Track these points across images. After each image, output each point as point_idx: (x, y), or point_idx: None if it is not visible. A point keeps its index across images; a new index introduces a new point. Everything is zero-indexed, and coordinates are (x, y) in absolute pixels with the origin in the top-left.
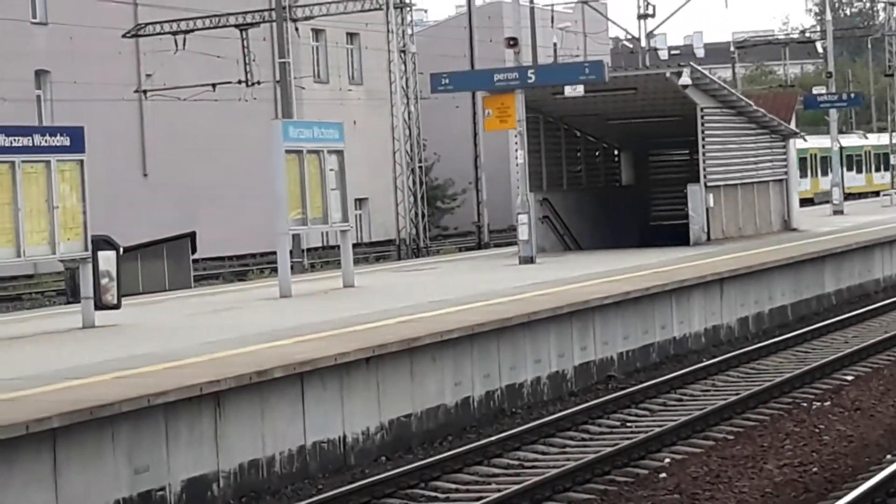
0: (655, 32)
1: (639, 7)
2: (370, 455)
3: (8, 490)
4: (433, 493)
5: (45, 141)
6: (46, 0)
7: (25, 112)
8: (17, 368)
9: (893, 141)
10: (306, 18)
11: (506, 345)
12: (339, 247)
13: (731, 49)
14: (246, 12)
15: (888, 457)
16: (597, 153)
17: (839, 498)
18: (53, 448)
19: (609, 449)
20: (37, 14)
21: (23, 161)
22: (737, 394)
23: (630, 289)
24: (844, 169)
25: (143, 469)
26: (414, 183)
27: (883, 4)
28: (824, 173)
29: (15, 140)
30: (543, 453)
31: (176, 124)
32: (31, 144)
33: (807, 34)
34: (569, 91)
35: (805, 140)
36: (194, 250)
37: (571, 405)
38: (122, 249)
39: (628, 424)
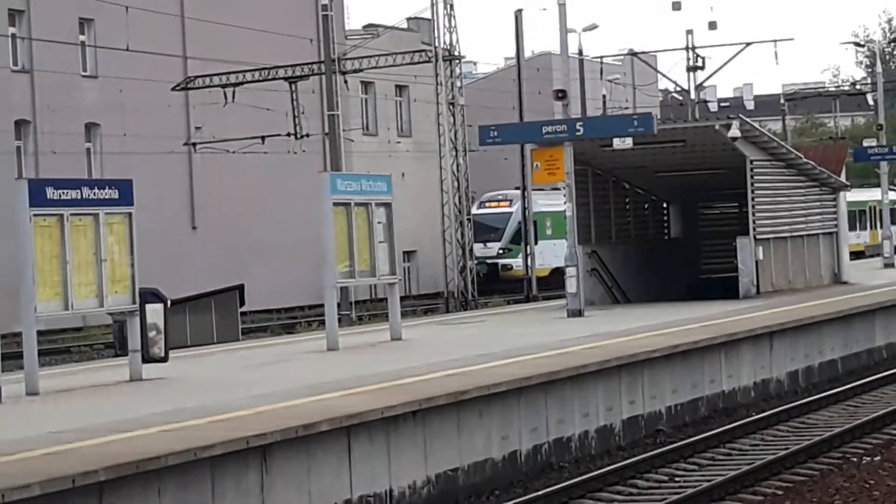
0: (705, 84)
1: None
2: None
3: None
4: None
5: (94, 194)
6: (97, 53)
7: (75, 165)
8: (65, 421)
9: None
10: (355, 71)
11: (553, 398)
12: (386, 299)
13: (781, 101)
14: (295, 65)
15: None
16: (645, 205)
17: None
18: (100, 501)
19: None
20: (87, 67)
21: (71, 214)
22: (786, 448)
23: (679, 342)
24: None
25: None
26: (462, 235)
27: None
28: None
29: (64, 193)
30: None
31: (225, 177)
32: (79, 197)
33: (857, 86)
34: (617, 143)
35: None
36: (242, 303)
37: (619, 459)
38: (169, 302)
39: (676, 479)
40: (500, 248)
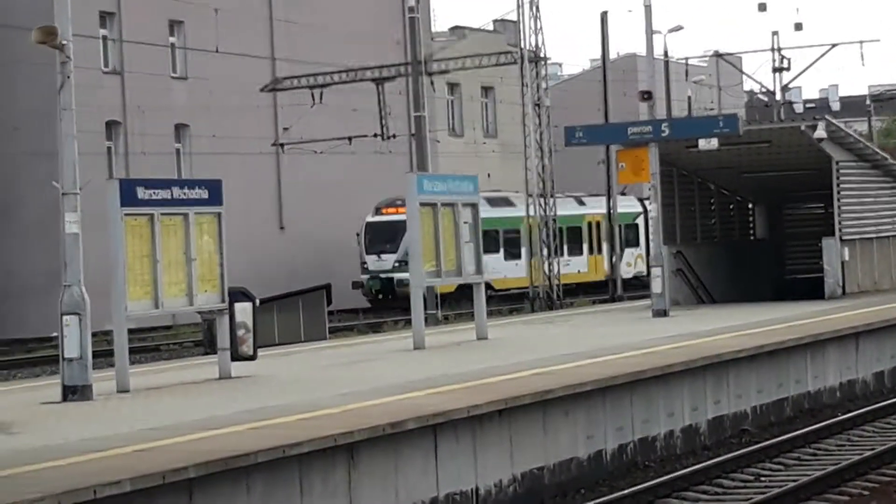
0: (790, 86)
1: (774, 60)
2: None
3: None
4: None
5: (184, 194)
6: (187, 55)
7: (164, 165)
8: (155, 418)
9: None
10: (442, 72)
11: (639, 398)
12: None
13: (867, 102)
14: (382, 66)
15: None
16: (730, 206)
17: None
18: (190, 498)
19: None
20: (177, 69)
21: (162, 213)
22: (872, 448)
23: (765, 342)
24: None
25: None
26: (547, 236)
27: None
28: None
29: (154, 193)
30: None
31: (312, 177)
32: (170, 197)
33: None
34: (703, 144)
35: None
36: (329, 302)
37: (705, 459)
38: (258, 301)
39: (762, 479)
40: (395, 261)
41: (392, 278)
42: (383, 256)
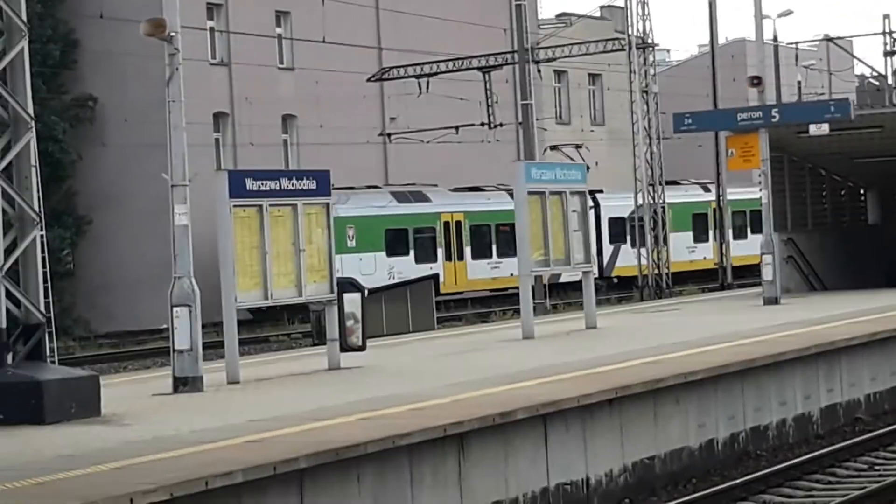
0: None
1: (885, 44)
2: (614, 497)
3: None
4: None
5: (292, 184)
6: (293, 45)
7: (273, 156)
8: (265, 410)
9: None
10: (548, 60)
11: (750, 386)
12: (581, 287)
13: None
14: (489, 55)
15: None
16: (842, 192)
17: None
18: (301, 489)
19: (857, 492)
20: (283, 60)
21: (270, 205)
22: None
23: (878, 329)
24: None
25: None
26: (656, 224)
27: None
28: None
29: (263, 184)
30: (789, 496)
31: (419, 166)
32: (278, 188)
33: None
34: (814, 130)
35: None
36: (437, 292)
37: (818, 448)
38: (367, 292)
39: (876, 467)
40: None
41: None
42: None
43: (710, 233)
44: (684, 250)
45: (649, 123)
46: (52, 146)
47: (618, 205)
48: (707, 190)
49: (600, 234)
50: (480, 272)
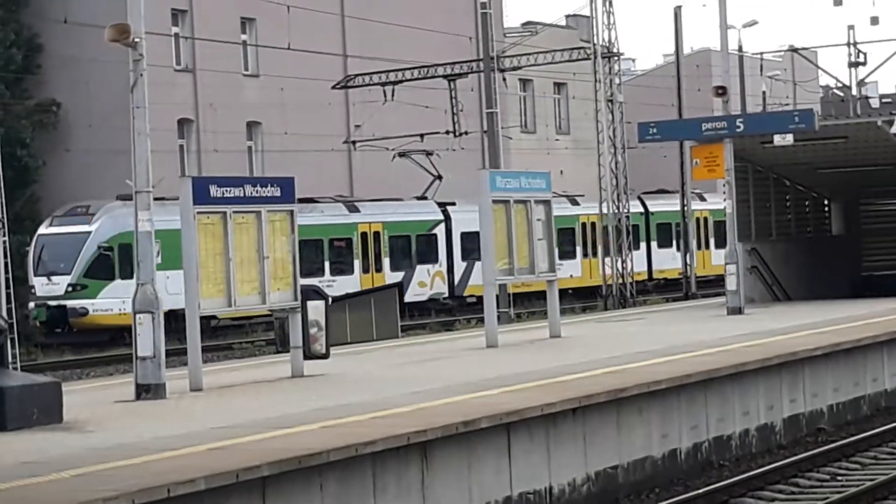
0: (867, 80)
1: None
2: None
3: None
4: None
5: (257, 191)
6: (258, 52)
7: (237, 163)
8: (228, 417)
9: None
10: (514, 69)
11: (713, 396)
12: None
13: None
14: (454, 63)
15: None
16: (806, 202)
17: None
18: (263, 497)
19: (819, 503)
20: (249, 66)
21: (234, 211)
22: None
23: (841, 340)
24: None
25: None
26: (620, 234)
27: None
28: None
29: (227, 191)
30: None
31: (384, 174)
32: (242, 195)
33: None
34: (778, 140)
35: None
36: (401, 301)
37: (780, 458)
38: (330, 299)
39: (839, 478)
40: (69, 285)
41: (64, 306)
42: (54, 279)
43: (578, 249)
44: None
45: (614, 132)
46: (20, 150)
47: (472, 218)
48: (575, 203)
49: (451, 251)
50: None
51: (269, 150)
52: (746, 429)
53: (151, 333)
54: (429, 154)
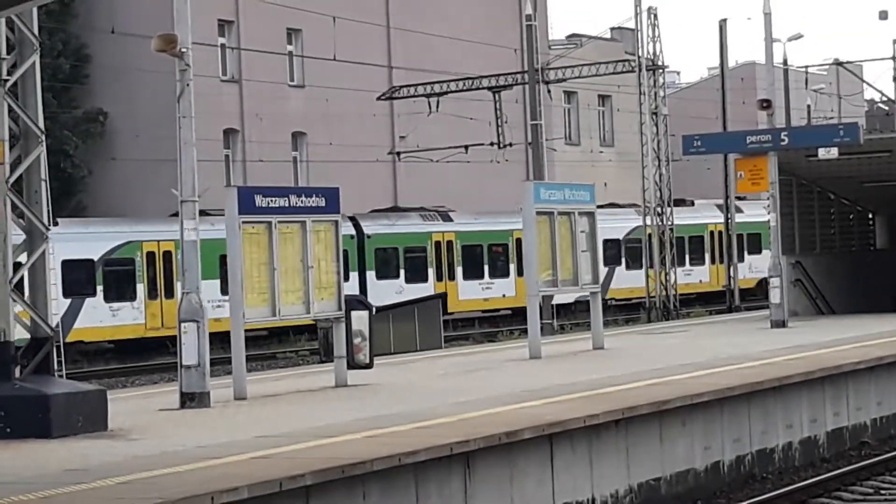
0: None
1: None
2: None
3: None
4: None
5: (301, 202)
6: (304, 63)
7: (282, 173)
8: (272, 426)
9: None
10: (559, 81)
11: (756, 409)
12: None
13: None
14: (499, 74)
15: None
16: (850, 216)
17: None
18: None
19: None
20: (294, 77)
21: (279, 221)
22: None
23: (885, 354)
24: None
25: None
26: (664, 245)
27: None
28: None
29: (272, 201)
30: None
31: (428, 185)
32: (287, 205)
33: None
34: (823, 153)
35: None
36: (445, 311)
37: (824, 471)
38: (374, 309)
39: (882, 491)
40: None
41: None
42: None
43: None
44: (478, 287)
45: (658, 145)
46: (63, 161)
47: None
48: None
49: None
50: None
51: (313, 160)
52: (790, 442)
53: (196, 342)
54: None
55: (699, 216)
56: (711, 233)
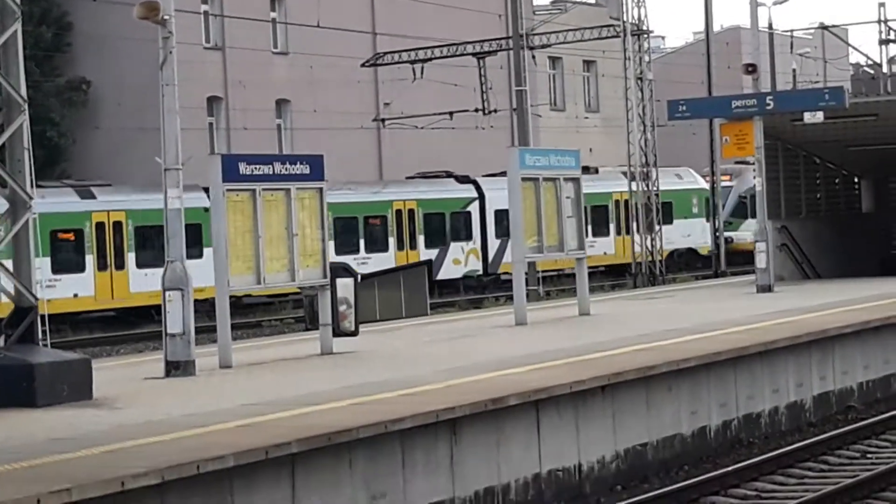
0: None
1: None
2: (606, 484)
3: None
4: None
5: (286, 169)
6: (288, 30)
7: (266, 140)
8: (257, 394)
9: None
10: (543, 46)
11: (743, 374)
12: (574, 274)
13: None
14: (483, 41)
15: None
16: (836, 180)
17: None
18: (292, 474)
19: (849, 480)
20: (278, 44)
21: (263, 189)
22: None
23: (871, 318)
24: None
25: (380, 495)
26: (650, 211)
27: None
28: None
29: (256, 168)
30: (781, 484)
31: (413, 152)
32: (271, 173)
33: None
34: (808, 118)
35: None
36: (431, 278)
37: (810, 435)
38: (359, 277)
39: (868, 455)
40: None
41: None
42: None
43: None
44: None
45: (644, 110)
46: (49, 129)
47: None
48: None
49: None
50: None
51: (297, 127)
52: (776, 406)
53: (181, 310)
54: None
55: (603, 184)
56: (616, 202)
